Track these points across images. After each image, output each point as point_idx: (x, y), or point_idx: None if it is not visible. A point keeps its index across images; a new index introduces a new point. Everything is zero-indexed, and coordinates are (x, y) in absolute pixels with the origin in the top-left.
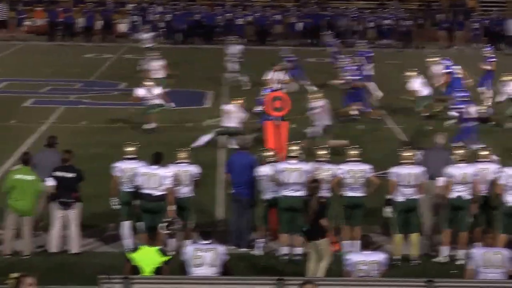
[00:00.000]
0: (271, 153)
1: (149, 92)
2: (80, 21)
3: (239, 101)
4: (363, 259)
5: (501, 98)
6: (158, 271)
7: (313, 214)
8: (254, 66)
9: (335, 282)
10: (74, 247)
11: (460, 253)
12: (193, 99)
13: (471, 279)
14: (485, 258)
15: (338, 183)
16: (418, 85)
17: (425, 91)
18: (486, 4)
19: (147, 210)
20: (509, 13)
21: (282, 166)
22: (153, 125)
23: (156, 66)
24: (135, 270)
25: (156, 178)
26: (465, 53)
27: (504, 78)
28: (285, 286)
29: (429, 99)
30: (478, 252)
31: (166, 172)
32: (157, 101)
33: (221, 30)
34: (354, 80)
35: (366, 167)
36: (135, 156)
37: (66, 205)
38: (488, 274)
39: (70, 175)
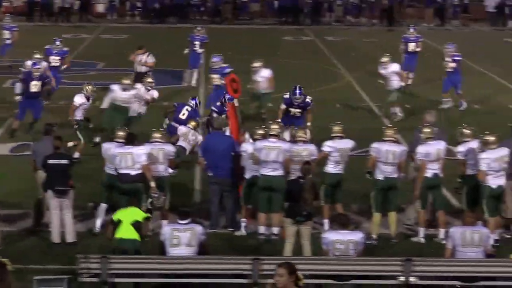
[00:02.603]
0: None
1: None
2: (58, 1)
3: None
4: (340, 238)
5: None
6: (137, 225)
7: (308, 196)
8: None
9: (313, 261)
10: (70, 236)
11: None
12: (171, 78)
13: (450, 258)
14: (464, 237)
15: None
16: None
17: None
18: None
19: (123, 192)
20: None
21: (261, 144)
22: None
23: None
24: (116, 227)
25: (130, 157)
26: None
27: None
28: (261, 265)
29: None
30: (457, 231)
31: (140, 150)
32: None
33: (195, 10)
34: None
35: (350, 143)
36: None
37: (62, 193)
38: (467, 253)
39: (64, 161)
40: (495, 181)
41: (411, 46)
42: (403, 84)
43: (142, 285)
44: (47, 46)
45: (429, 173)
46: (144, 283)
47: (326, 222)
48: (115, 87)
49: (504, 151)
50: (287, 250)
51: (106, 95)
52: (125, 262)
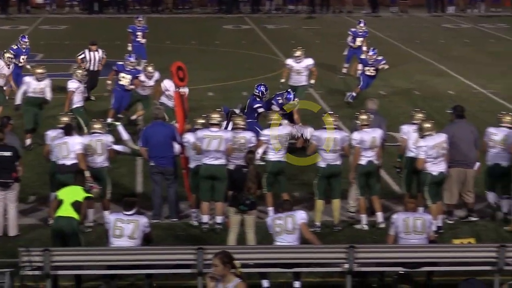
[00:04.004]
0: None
1: None
2: None
3: None
4: (279, 215)
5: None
6: (77, 204)
7: (252, 185)
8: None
9: (256, 250)
10: (12, 230)
11: (378, 216)
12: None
13: (392, 245)
14: (406, 223)
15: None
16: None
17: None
18: None
19: (61, 183)
20: None
21: (202, 133)
22: None
23: None
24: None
25: (65, 147)
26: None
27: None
28: (206, 255)
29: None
30: (399, 217)
31: (75, 139)
32: None
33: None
34: None
35: (286, 130)
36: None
37: (5, 186)
38: (410, 240)
39: (6, 153)
40: (434, 167)
41: (358, 41)
42: (312, 81)
43: (83, 277)
44: (14, 46)
45: (363, 161)
46: (87, 275)
47: (270, 210)
48: (29, 79)
49: (441, 138)
50: (231, 239)
51: (18, 90)
52: (67, 254)
